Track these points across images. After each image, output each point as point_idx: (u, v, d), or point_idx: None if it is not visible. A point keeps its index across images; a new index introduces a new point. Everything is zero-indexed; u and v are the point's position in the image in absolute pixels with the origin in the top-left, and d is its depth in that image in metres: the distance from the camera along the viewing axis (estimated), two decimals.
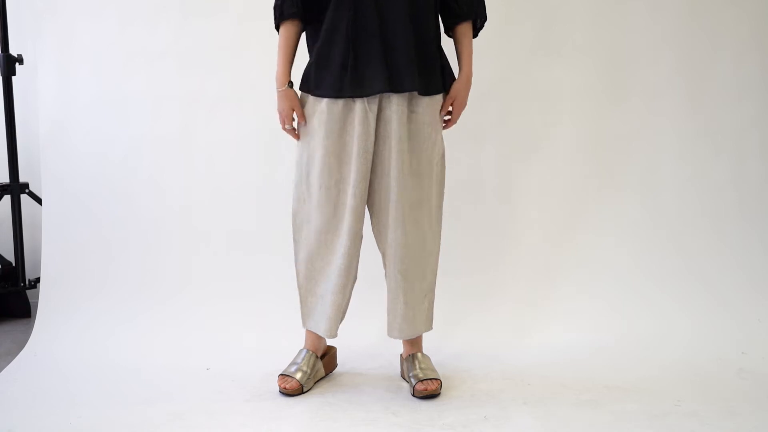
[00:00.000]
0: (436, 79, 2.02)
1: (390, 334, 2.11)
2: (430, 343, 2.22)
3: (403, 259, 2.04)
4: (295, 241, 2.13)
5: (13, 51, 2.95)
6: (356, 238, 2.04)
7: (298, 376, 2.08)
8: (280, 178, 2.78)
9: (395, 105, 1.97)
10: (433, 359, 2.17)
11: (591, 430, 1.82)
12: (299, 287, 2.14)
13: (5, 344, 2.63)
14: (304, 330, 2.18)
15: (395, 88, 1.95)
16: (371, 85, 1.94)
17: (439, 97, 2.05)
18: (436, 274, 2.14)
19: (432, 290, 2.14)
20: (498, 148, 2.76)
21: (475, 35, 2.12)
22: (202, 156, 2.81)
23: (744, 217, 2.72)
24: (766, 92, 2.76)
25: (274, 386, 2.12)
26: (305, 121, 2.02)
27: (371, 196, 2.05)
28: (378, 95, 1.96)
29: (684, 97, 2.75)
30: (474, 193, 2.74)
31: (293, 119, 2.05)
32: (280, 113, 2.05)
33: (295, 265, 2.13)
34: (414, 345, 2.16)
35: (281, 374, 2.11)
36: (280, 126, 2.61)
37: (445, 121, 2.12)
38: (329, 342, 2.24)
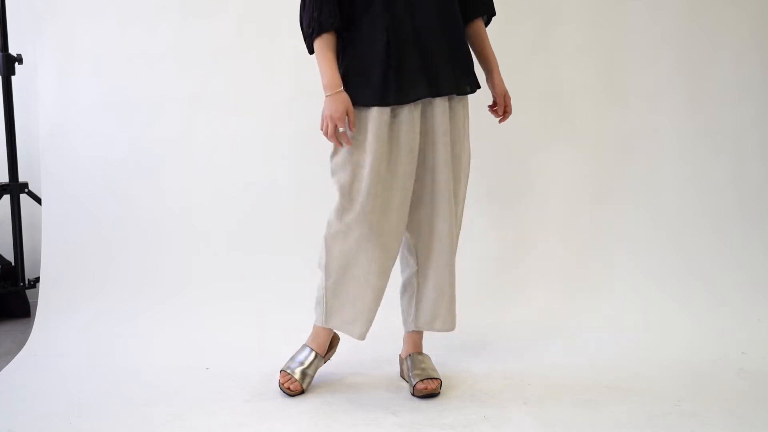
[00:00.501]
0: (470, 79, 2.05)
1: (433, 326, 2.11)
2: (430, 343, 2.21)
3: (451, 251, 2.06)
4: (329, 247, 2.04)
5: (13, 51, 2.95)
6: (401, 239, 2.06)
7: (300, 376, 2.08)
8: (281, 179, 2.79)
9: (438, 105, 1.99)
10: (433, 359, 2.17)
11: (591, 430, 1.82)
12: (326, 290, 2.07)
13: (5, 344, 2.63)
14: (314, 328, 2.15)
15: (436, 92, 1.97)
16: (414, 92, 1.95)
17: (467, 96, 2.07)
18: None
19: None
20: (497, 148, 2.76)
21: None
22: (202, 156, 2.81)
23: (744, 217, 2.73)
24: (766, 92, 2.76)
25: (274, 386, 2.12)
26: (353, 129, 1.96)
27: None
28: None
29: (684, 97, 2.75)
30: (472, 193, 2.73)
31: (345, 122, 1.95)
32: (331, 117, 1.92)
33: (325, 269, 2.06)
34: (416, 345, 2.16)
35: (284, 370, 2.10)
36: (280, 126, 2.62)
37: (503, 114, 2.17)
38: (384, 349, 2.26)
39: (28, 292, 3.02)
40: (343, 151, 1.99)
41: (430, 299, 2.10)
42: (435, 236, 2.05)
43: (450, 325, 2.12)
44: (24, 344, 2.52)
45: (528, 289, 2.67)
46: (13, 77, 2.94)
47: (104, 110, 2.82)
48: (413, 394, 2.05)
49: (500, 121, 2.20)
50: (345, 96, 1.93)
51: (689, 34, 2.75)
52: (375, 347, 2.37)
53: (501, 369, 2.25)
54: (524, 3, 2.74)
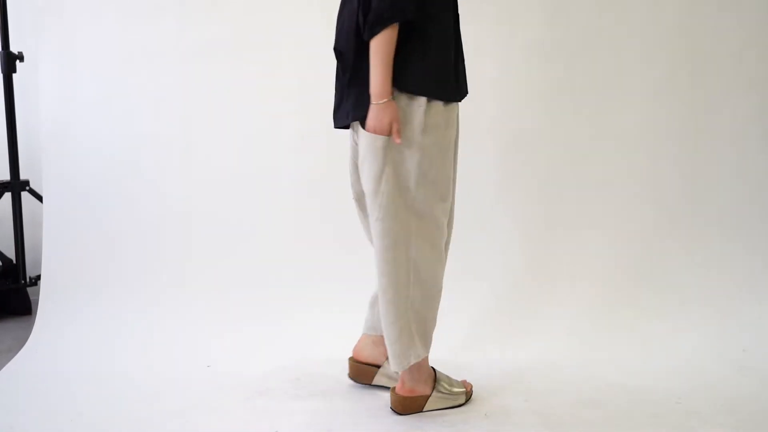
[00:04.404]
0: None
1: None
2: (432, 342, 2.21)
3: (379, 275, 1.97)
4: (403, 262, 1.86)
5: (14, 48, 2.95)
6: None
7: (458, 389, 2.00)
8: (282, 176, 2.79)
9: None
10: (434, 357, 2.17)
11: (591, 428, 1.82)
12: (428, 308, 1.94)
13: (6, 342, 2.63)
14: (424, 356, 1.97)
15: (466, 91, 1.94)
16: (464, 89, 1.91)
17: None
18: None
19: None
20: (495, 148, 2.75)
21: None
22: (204, 153, 2.81)
23: (744, 216, 2.73)
24: (766, 92, 2.76)
25: (275, 384, 2.12)
26: (399, 140, 1.78)
27: None
28: None
29: (684, 97, 2.75)
30: (472, 194, 2.74)
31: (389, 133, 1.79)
32: (375, 130, 1.77)
33: (409, 290, 1.88)
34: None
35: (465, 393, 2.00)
36: (282, 123, 2.65)
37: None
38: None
39: (29, 289, 3.03)
40: (417, 150, 1.79)
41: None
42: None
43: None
44: (25, 342, 2.52)
45: (528, 288, 2.67)
46: (14, 75, 2.94)
47: (105, 107, 2.82)
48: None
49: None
50: (394, 106, 1.75)
51: (689, 34, 2.75)
52: None
53: (501, 367, 2.25)
54: (524, 3, 2.73)
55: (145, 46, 2.80)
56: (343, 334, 2.18)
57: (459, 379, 2.05)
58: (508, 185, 2.77)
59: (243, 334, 2.50)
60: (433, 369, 1.99)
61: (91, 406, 2.00)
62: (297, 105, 2.73)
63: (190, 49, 2.79)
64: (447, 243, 1.99)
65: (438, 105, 1.80)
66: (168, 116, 2.81)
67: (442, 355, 2.25)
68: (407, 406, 1.93)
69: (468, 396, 2.00)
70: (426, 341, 1.95)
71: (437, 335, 2.21)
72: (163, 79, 2.81)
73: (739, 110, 2.75)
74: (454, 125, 1.87)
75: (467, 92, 1.93)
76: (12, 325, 2.84)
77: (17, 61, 2.93)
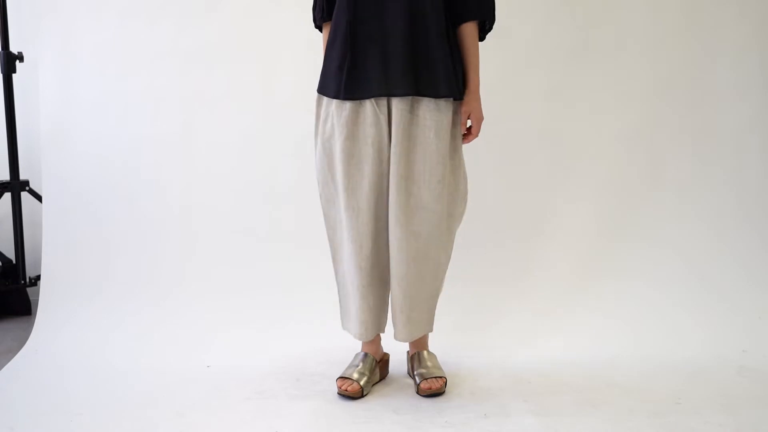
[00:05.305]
0: (442, 83, 1.93)
1: (395, 336, 2.10)
2: (432, 341, 2.22)
3: (402, 263, 1.99)
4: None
5: (14, 49, 2.95)
6: (379, 239, 2.02)
7: (360, 379, 2.03)
8: (281, 176, 2.79)
9: (396, 108, 1.93)
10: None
11: (591, 428, 1.82)
12: (337, 287, 2.15)
13: (6, 342, 2.63)
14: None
15: (390, 91, 1.92)
16: (366, 88, 1.92)
17: (448, 103, 1.97)
18: (441, 281, 2.10)
19: (434, 296, 2.10)
20: (493, 148, 2.75)
21: (482, 38, 2.06)
22: (203, 154, 2.82)
23: (744, 216, 2.73)
24: (766, 92, 2.76)
25: (275, 384, 2.12)
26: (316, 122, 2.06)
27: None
28: (385, 98, 1.94)
29: (684, 97, 2.75)
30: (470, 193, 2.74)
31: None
32: None
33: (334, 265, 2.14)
34: (419, 343, 2.15)
35: (341, 377, 2.05)
36: (280, 125, 2.67)
37: (464, 135, 2.05)
38: (385, 349, 2.22)
39: (29, 289, 3.02)
40: (316, 144, 2.05)
41: (392, 311, 2.08)
42: (391, 247, 2.00)
43: (402, 337, 2.07)
44: (25, 342, 2.52)
45: (529, 288, 2.67)
46: (14, 75, 2.94)
47: (105, 108, 2.83)
48: (417, 393, 2.05)
49: (463, 141, 2.06)
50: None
51: (689, 33, 2.75)
52: None
53: (501, 367, 2.25)
54: (524, 3, 2.74)
55: (145, 47, 2.80)
56: (344, 334, 2.18)
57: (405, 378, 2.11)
58: (505, 184, 2.77)
59: (243, 334, 2.51)
60: (366, 359, 2.09)
61: (91, 406, 1.99)
62: (297, 106, 2.73)
63: (190, 50, 2.80)
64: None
65: (321, 97, 2.03)
66: (168, 117, 2.82)
67: (443, 356, 2.25)
68: None
69: (346, 392, 2.01)
70: (343, 313, 2.14)
71: (437, 334, 2.22)
72: (163, 80, 2.81)
73: (740, 110, 2.76)
74: (327, 119, 2.00)
75: (387, 93, 1.92)
76: (12, 325, 2.84)
77: (17, 61, 2.93)
